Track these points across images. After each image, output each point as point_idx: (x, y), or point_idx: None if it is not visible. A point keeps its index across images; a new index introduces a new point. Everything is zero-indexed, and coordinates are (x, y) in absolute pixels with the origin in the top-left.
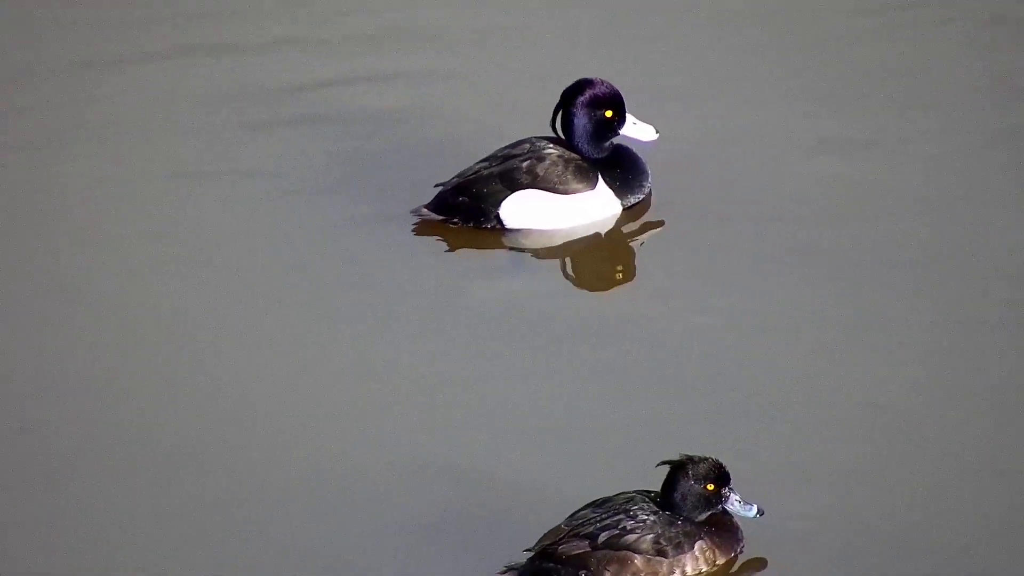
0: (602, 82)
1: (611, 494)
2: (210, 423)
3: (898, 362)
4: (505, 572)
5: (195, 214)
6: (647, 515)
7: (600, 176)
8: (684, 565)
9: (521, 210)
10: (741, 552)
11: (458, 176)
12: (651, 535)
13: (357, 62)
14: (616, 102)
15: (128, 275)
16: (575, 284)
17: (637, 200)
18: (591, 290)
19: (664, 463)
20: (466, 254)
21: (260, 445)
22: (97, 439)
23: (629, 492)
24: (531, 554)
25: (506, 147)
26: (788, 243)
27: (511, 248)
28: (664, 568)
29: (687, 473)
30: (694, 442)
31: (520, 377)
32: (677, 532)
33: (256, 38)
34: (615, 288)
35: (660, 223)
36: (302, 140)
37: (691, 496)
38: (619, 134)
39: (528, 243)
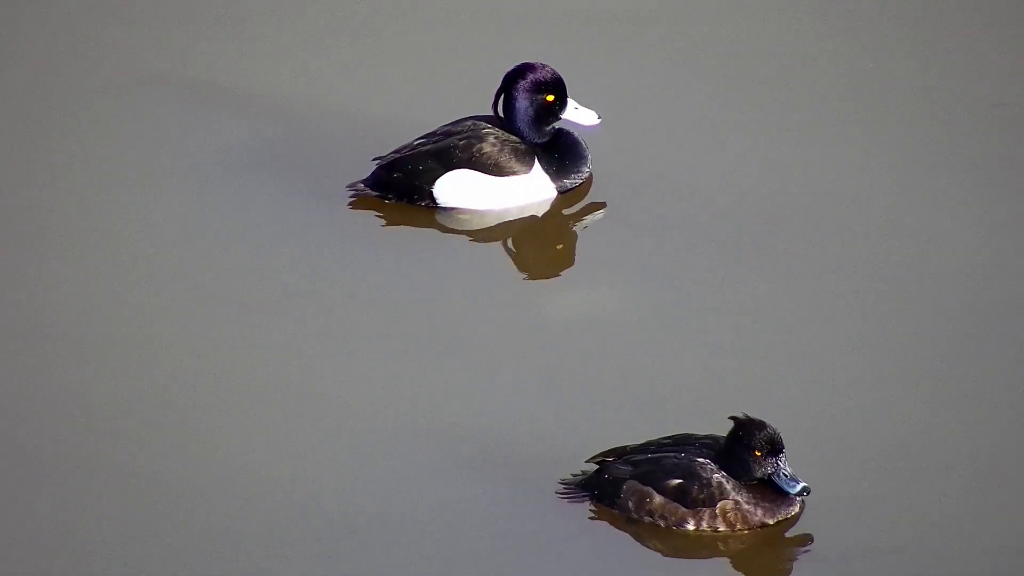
0: (543, 66)
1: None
2: (216, 405)
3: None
4: (577, 476)
5: (127, 199)
6: (699, 460)
7: (537, 160)
8: (700, 519)
9: (454, 189)
10: (782, 522)
11: (395, 151)
12: (680, 480)
13: (299, 30)
14: (557, 86)
15: (54, 270)
16: (509, 265)
17: (573, 185)
18: (522, 270)
19: (732, 418)
20: (399, 232)
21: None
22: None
23: (713, 436)
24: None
25: (447, 125)
26: (729, 232)
27: (444, 227)
28: (678, 514)
29: (737, 434)
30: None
31: (449, 359)
32: (707, 485)
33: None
34: (550, 268)
35: (601, 205)
36: (240, 113)
37: (737, 457)
38: (561, 118)
39: (462, 222)
